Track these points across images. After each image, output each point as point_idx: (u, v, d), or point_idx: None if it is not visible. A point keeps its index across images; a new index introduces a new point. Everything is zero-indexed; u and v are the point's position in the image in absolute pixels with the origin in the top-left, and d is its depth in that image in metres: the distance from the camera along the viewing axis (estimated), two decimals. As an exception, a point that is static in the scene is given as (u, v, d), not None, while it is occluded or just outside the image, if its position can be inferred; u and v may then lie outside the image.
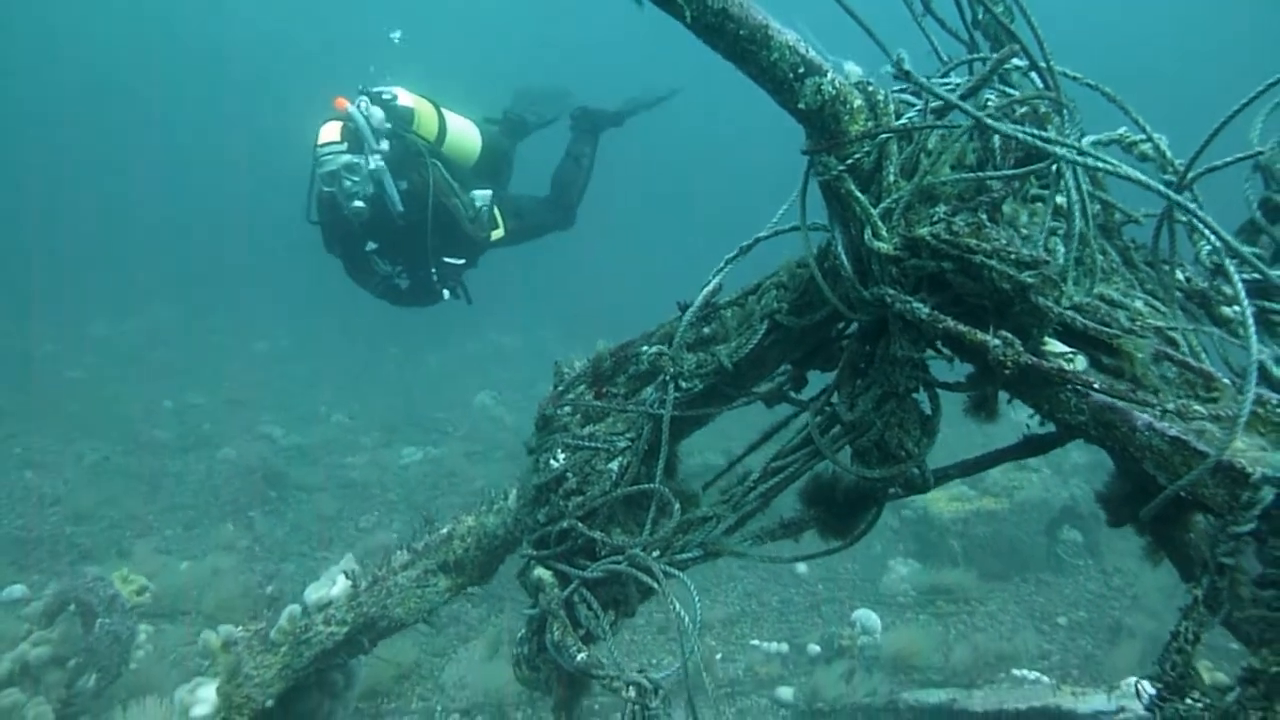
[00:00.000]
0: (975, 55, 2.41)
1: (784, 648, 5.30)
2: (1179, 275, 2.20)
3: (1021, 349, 1.92)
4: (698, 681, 4.63)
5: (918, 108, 2.23)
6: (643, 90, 8.46)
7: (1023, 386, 2.12)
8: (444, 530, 3.08)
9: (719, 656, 5.36)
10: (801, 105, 2.13)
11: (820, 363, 2.66)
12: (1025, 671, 4.58)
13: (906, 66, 2.00)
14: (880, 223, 2.14)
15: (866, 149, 2.16)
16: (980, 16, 2.51)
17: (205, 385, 12.28)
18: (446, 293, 6.33)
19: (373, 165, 5.78)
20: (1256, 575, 1.83)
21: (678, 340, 2.60)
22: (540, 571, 2.67)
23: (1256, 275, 1.96)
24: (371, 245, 6.09)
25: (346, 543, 7.25)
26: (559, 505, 2.64)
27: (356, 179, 5.77)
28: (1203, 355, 2.05)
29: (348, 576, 3.02)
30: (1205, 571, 1.87)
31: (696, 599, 2.36)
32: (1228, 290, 2.16)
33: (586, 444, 2.64)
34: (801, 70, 2.09)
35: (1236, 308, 2.08)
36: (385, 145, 5.84)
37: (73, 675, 4.10)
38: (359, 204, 5.76)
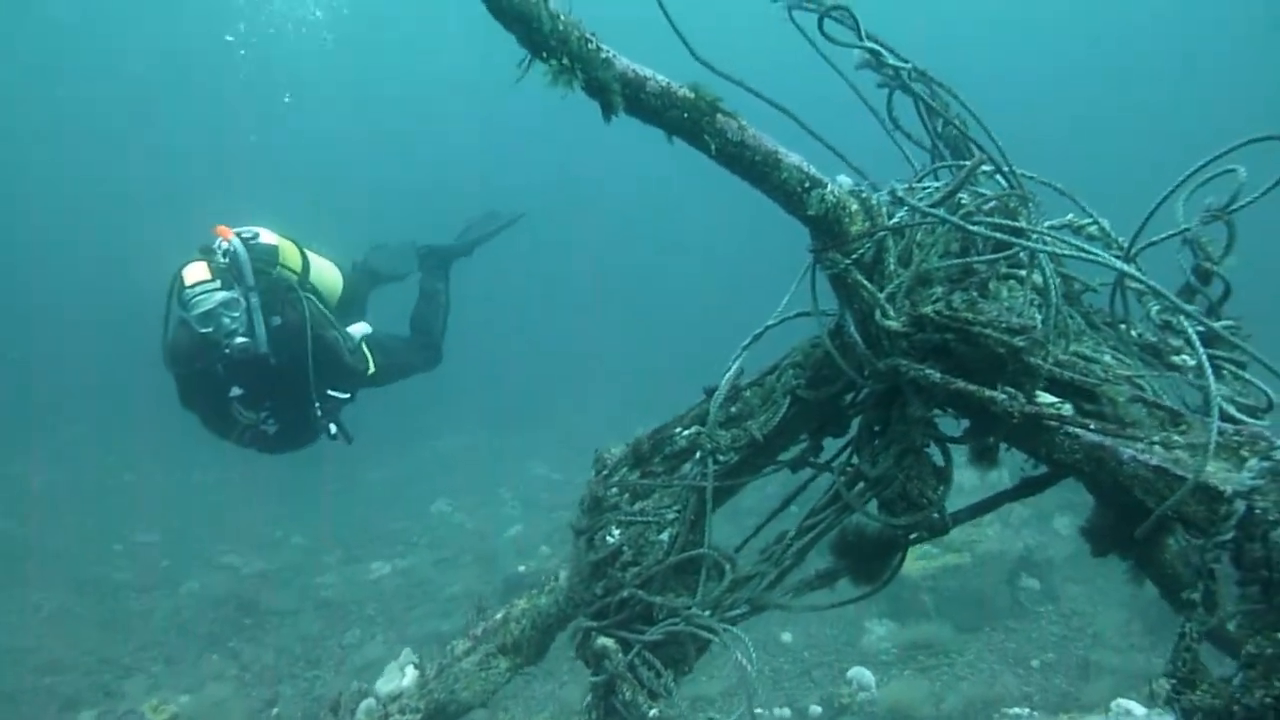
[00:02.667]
0: (944, 163, 2.88)
1: (787, 712, 5.51)
2: (1133, 333, 2.65)
3: (1024, 400, 2.31)
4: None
5: (906, 208, 2.67)
6: (485, 215, 8.15)
7: (1021, 435, 2.51)
8: (499, 615, 3.28)
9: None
10: (810, 213, 2.54)
11: (833, 430, 3.02)
12: (1017, 710, 4.89)
13: (900, 194, 2.44)
14: (887, 304, 2.54)
15: (866, 245, 2.58)
16: (941, 129, 3.01)
17: (152, 522, 11.97)
18: (333, 427, 5.94)
19: (252, 300, 5.45)
20: (1237, 578, 2.21)
21: (712, 419, 2.93)
22: (603, 640, 2.90)
23: (1200, 328, 2.41)
24: (236, 391, 5.65)
25: (334, 661, 7.20)
26: (617, 576, 2.90)
27: (236, 314, 5.41)
28: (1163, 397, 2.47)
29: (416, 667, 3.19)
30: (1200, 578, 2.24)
31: (753, 650, 2.64)
32: (1174, 342, 2.61)
33: (639, 518, 2.92)
34: (807, 184, 2.51)
35: (1185, 356, 2.52)
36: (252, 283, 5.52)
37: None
38: (242, 339, 5.38)
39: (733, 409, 3.02)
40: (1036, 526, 8.60)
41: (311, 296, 5.86)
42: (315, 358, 5.61)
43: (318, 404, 5.74)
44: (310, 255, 6.20)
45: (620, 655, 2.85)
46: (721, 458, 2.93)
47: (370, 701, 3.12)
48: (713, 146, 2.49)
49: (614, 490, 3.04)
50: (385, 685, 3.14)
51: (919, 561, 7.87)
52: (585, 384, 20.57)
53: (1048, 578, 7.86)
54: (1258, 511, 2.01)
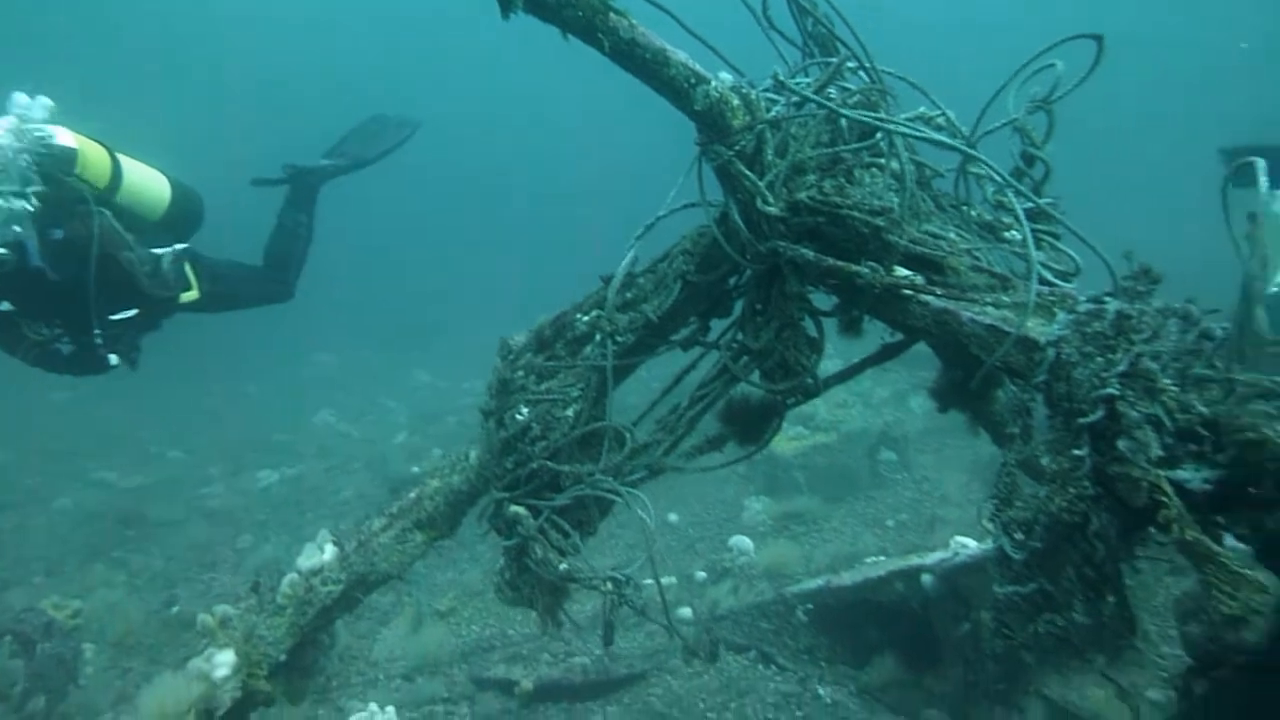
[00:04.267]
0: (814, 60, 3.15)
1: (674, 579, 6.01)
2: (973, 212, 3.04)
3: (885, 273, 2.67)
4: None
5: (782, 103, 2.94)
6: (370, 124, 7.21)
7: (881, 305, 2.88)
8: (413, 494, 3.51)
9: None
10: (696, 108, 2.78)
11: (720, 311, 3.33)
12: (873, 558, 5.53)
13: (781, 78, 2.70)
14: (767, 192, 2.83)
15: (747, 138, 2.85)
16: (811, 29, 3.26)
17: (9, 441, 11.41)
18: (114, 358, 5.42)
19: (19, 206, 4.87)
20: (1047, 414, 2.67)
21: (609, 304, 3.19)
22: (515, 508, 3.19)
23: (1029, 204, 2.82)
24: (5, 306, 5.12)
25: (230, 564, 7.26)
26: (526, 450, 3.18)
27: None
28: (995, 266, 2.88)
29: (335, 544, 3.39)
30: (1019, 415, 2.70)
31: (651, 508, 2.99)
32: (1005, 219, 3.02)
33: (545, 397, 3.18)
34: (693, 80, 2.74)
35: (1014, 231, 2.94)
36: (37, 187, 4.93)
37: (21, 700, 4.10)
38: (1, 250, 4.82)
39: (628, 295, 3.28)
40: (894, 405, 9.38)
41: (106, 212, 5.28)
42: (101, 279, 5.13)
43: (98, 330, 5.25)
44: (127, 165, 5.55)
45: (531, 520, 3.15)
46: (620, 339, 3.20)
47: (293, 576, 3.32)
48: (606, 44, 2.67)
49: (520, 373, 3.27)
50: (306, 561, 3.34)
51: (792, 442, 8.51)
52: (471, 300, 20.49)
53: (903, 450, 8.66)
54: (1063, 356, 2.44)
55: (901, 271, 2.84)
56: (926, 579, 3.87)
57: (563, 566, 3.05)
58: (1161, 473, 2.21)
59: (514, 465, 3.22)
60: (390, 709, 4.17)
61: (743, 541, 6.39)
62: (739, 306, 3.21)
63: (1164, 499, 2.20)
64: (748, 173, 2.80)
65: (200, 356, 11.48)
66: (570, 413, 3.19)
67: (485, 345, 3.64)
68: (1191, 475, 2.20)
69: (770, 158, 2.84)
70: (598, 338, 3.22)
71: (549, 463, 3.12)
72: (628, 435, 3.15)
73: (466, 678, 5.00)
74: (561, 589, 3.19)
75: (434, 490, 3.48)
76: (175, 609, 6.18)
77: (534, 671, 4.59)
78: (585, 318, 3.28)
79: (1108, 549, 2.38)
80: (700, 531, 7.44)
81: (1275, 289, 5.40)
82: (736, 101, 2.82)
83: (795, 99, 2.79)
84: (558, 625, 3.23)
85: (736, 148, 2.83)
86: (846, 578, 4.40)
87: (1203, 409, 2.21)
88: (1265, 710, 2.40)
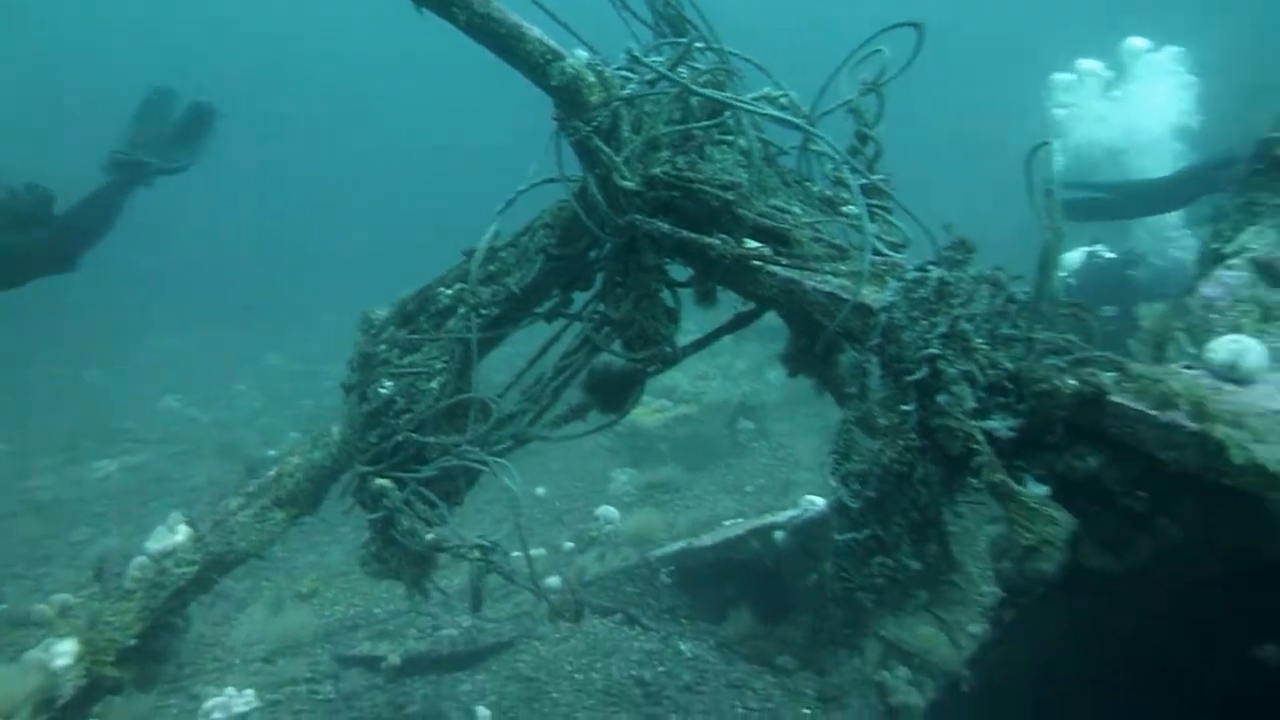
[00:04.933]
0: (665, 39, 3.27)
1: (542, 551, 6.11)
2: (814, 188, 3.26)
3: (735, 245, 2.84)
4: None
5: (636, 81, 3.04)
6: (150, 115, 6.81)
7: (733, 275, 3.05)
8: (272, 472, 3.44)
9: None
10: (553, 83, 2.86)
11: (582, 285, 3.43)
12: (731, 520, 5.81)
13: (636, 53, 2.80)
14: (624, 167, 2.94)
15: (604, 114, 2.94)
16: (662, 8, 3.38)
17: None
18: None
19: None
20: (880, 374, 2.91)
21: (473, 277, 3.23)
22: (380, 482, 3.20)
23: (863, 180, 3.04)
24: None
25: (65, 557, 6.83)
26: (391, 424, 3.19)
27: None
28: (835, 238, 3.10)
29: (189, 524, 3.29)
30: (856, 376, 2.93)
31: (518, 477, 3.07)
32: (844, 194, 3.24)
33: (410, 370, 3.20)
34: (549, 56, 2.82)
35: (852, 206, 3.17)
36: None
37: None
38: None
39: (491, 268, 3.33)
40: (752, 377, 9.77)
41: None
42: None
43: None
44: None
45: (397, 493, 3.17)
46: (484, 312, 3.25)
47: (142, 559, 3.20)
48: (461, 18, 2.71)
49: (383, 347, 3.27)
50: (156, 544, 3.23)
51: (655, 415, 8.74)
52: (324, 279, 19.74)
53: (761, 420, 9.06)
54: (894, 320, 2.67)
55: (751, 244, 3.02)
56: (779, 535, 4.12)
57: (430, 537, 3.09)
58: (974, 423, 2.47)
59: (378, 439, 3.23)
60: (249, 692, 4.10)
61: (609, 511, 6.57)
62: (600, 279, 3.32)
63: (976, 446, 2.46)
64: (605, 148, 2.90)
65: (24, 339, 10.67)
66: (435, 385, 3.22)
67: (339, 326, 3.61)
68: (999, 424, 2.46)
69: (626, 134, 2.95)
70: (461, 310, 3.26)
71: (414, 435, 3.15)
72: (493, 406, 3.21)
73: (330, 657, 4.94)
74: (429, 560, 3.23)
75: (295, 467, 3.43)
76: (2, 607, 5.78)
77: (401, 646, 4.59)
78: (449, 291, 3.30)
79: (931, 495, 2.64)
80: (568, 504, 7.56)
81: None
82: (592, 78, 2.91)
83: (649, 77, 2.90)
84: (425, 596, 3.27)
85: (594, 124, 2.93)
86: (706, 539, 4.62)
87: (1008, 365, 2.48)
88: (1059, 629, 2.71)
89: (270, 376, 13.65)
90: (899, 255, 3.04)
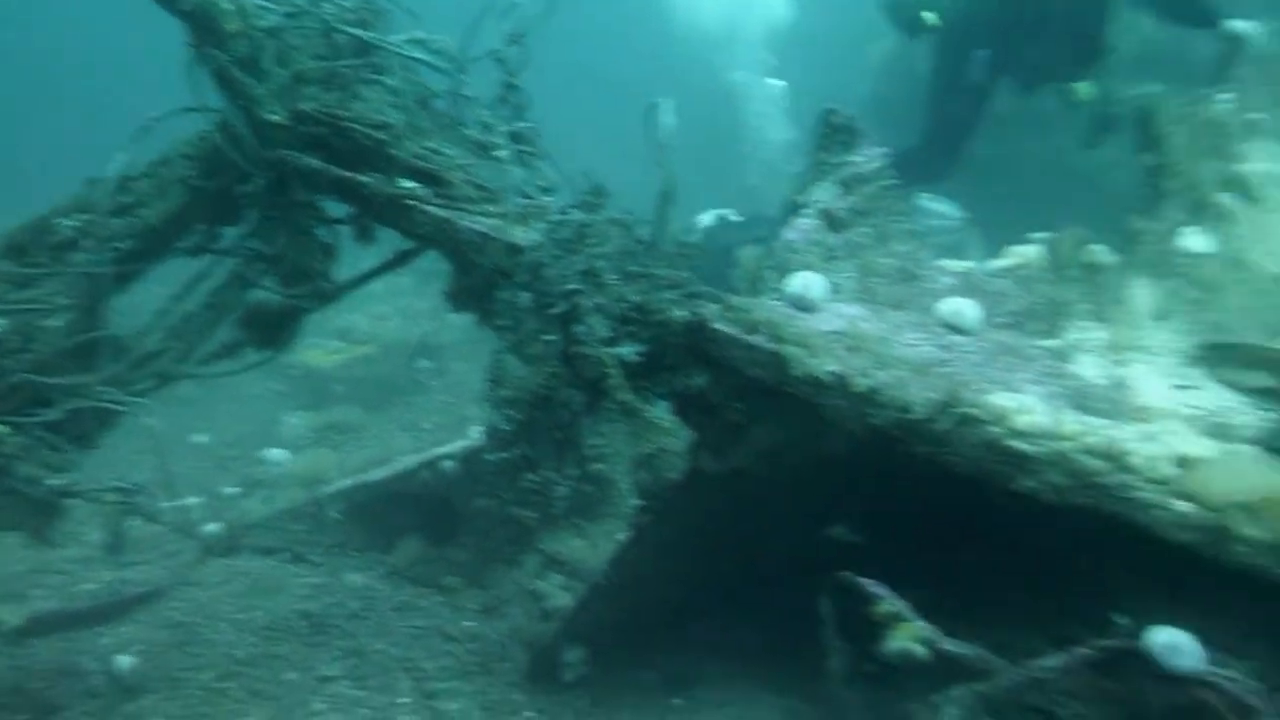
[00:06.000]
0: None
1: (198, 499, 5.73)
2: (469, 132, 3.41)
3: (388, 184, 2.93)
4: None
5: (278, 13, 2.98)
6: None
7: (389, 214, 3.13)
8: None
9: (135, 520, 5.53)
10: (184, 7, 2.75)
11: (231, 219, 3.31)
12: (406, 458, 5.91)
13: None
14: (270, 100, 2.89)
15: (242, 44, 2.87)
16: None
17: None
18: None
19: None
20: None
21: (102, 209, 3.01)
22: (-5, 429, 2.93)
23: (512, 126, 3.25)
24: None
25: None
26: (5, 364, 2.92)
27: None
28: (487, 181, 3.28)
29: None
30: (508, 310, 3.16)
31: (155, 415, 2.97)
32: (497, 140, 3.43)
33: (25, 307, 2.93)
34: (181, -22, 2.70)
35: (504, 150, 3.36)
36: None
37: None
38: None
39: (125, 199, 3.12)
40: (433, 317, 9.79)
41: None
42: None
43: None
44: None
45: (14, 438, 2.92)
46: (117, 245, 3.04)
47: None
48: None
49: (-10, 283, 2.96)
50: None
51: (331, 356, 8.52)
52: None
53: (441, 358, 9.15)
54: (540, 259, 2.93)
55: (406, 183, 3.11)
56: (448, 465, 4.32)
57: (57, 483, 2.89)
58: (607, 350, 2.81)
59: (-10, 382, 2.93)
60: None
61: (277, 454, 6.37)
62: (250, 214, 3.24)
63: (609, 371, 2.81)
64: (246, 79, 2.84)
65: None
66: (59, 323, 2.98)
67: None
68: (627, 351, 2.83)
69: (270, 67, 2.90)
70: (89, 244, 3.03)
71: (32, 376, 2.91)
72: (131, 345, 3.04)
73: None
74: (54, 507, 3.02)
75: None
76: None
77: (25, 608, 4.15)
78: (70, 222, 3.05)
79: (572, 416, 2.96)
80: (234, 450, 7.18)
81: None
82: (228, 5, 2.82)
83: (290, 10, 2.87)
84: (51, 545, 3.07)
85: (234, 54, 2.85)
86: (378, 474, 4.70)
87: (635, 298, 2.85)
88: (679, 524, 3.18)
89: None
90: (548, 199, 3.30)
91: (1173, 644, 1.96)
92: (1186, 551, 2.25)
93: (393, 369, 8.64)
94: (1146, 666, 2.00)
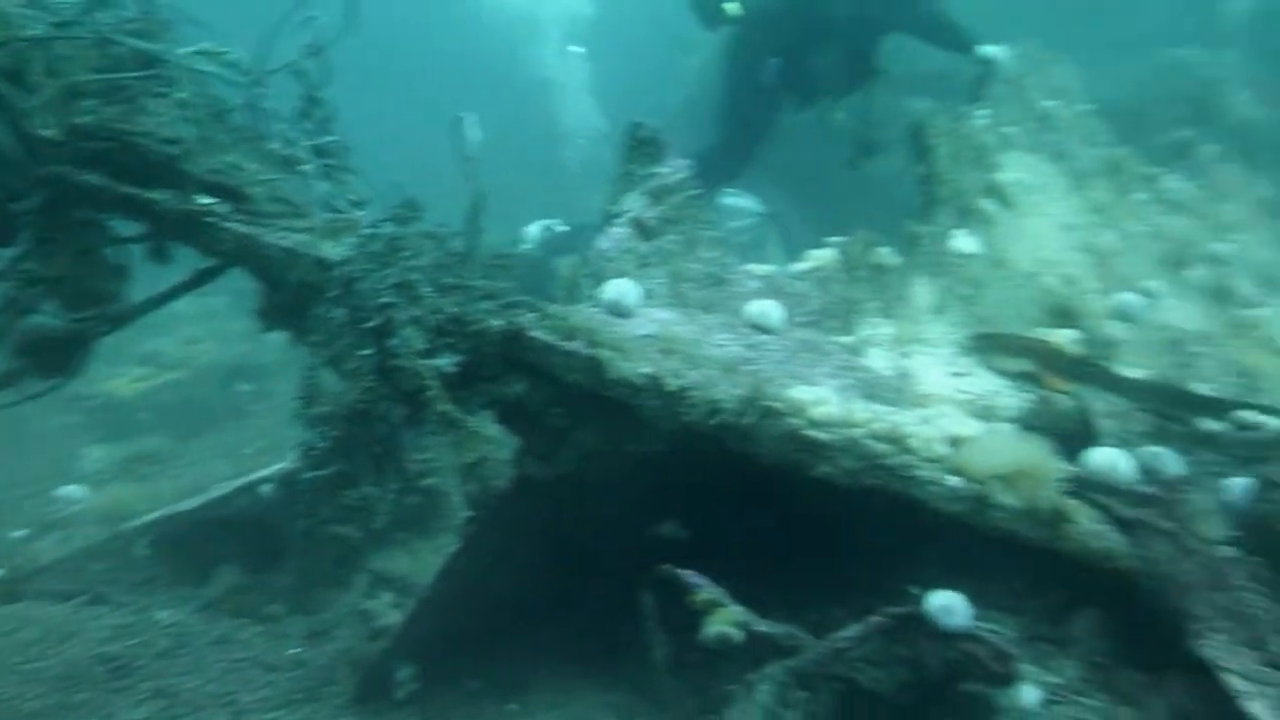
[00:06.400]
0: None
1: (-14, 545, 5.24)
2: (272, 146, 3.31)
3: (183, 201, 2.80)
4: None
5: (46, 22, 2.79)
6: None
7: (185, 232, 3.00)
8: None
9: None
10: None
11: (3, 240, 3.07)
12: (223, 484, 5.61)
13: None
14: (41, 114, 2.71)
15: (4, 56, 2.67)
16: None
17: None
18: None
19: None
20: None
21: None
22: None
23: (319, 140, 3.18)
24: None
25: None
26: None
27: None
28: (293, 196, 3.21)
29: None
30: (321, 326, 3.08)
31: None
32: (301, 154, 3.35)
33: None
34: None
35: (309, 165, 3.29)
36: None
37: None
38: None
39: None
40: (249, 338, 9.31)
41: None
42: None
43: None
44: None
45: None
46: None
47: None
48: None
49: None
50: None
51: (136, 383, 7.95)
52: None
53: (261, 380, 8.73)
54: (351, 273, 2.89)
55: (205, 200, 2.99)
56: (265, 488, 4.15)
57: None
58: (424, 362, 2.81)
59: None
60: None
61: (73, 491, 5.89)
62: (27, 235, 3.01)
63: (428, 383, 2.80)
64: (11, 90, 2.65)
65: None
66: None
67: None
68: (445, 362, 2.84)
69: (39, 79, 2.71)
70: None
71: None
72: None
73: None
74: None
75: None
76: None
77: None
78: None
79: (392, 430, 2.93)
80: (24, 490, 6.56)
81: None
82: (-10, 12, 2.62)
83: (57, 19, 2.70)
84: None
85: (-3, 63, 2.65)
86: (190, 503, 4.45)
87: (451, 309, 2.86)
88: (507, 532, 3.21)
89: None
90: (359, 212, 3.26)
91: (946, 605, 2.18)
92: (961, 521, 2.51)
93: (207, 394, 8.16)
94: (926, 628, 2.21)
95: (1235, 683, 1.97)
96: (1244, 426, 2.85)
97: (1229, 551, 2.29)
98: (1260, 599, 2.16)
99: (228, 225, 2.94)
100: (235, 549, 4.17)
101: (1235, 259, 4.28)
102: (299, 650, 3.45)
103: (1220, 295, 4.05)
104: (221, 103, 3.10)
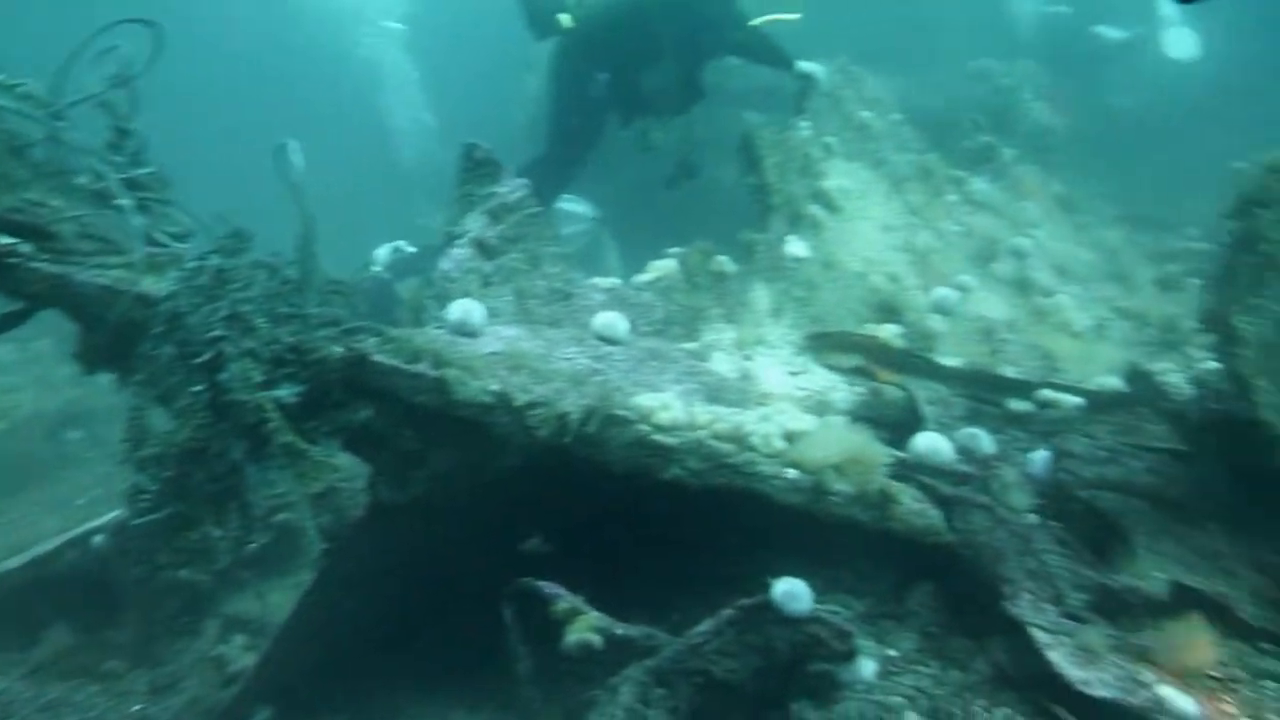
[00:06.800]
0: None
1: None
2: (82, 180, 3.12)
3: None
4: None
5: None
6: None
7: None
8: None
9: None
10: None
11: None
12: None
13: None
14: None
15: None
16: None
17: None
18: None
19: None
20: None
21: None
22: None
23: (131, 173, 3.03)
24: None
25: None
26: None
27: None
28: (108, 231, 3.04)
29: None
30: (147, 364, 2.93)
31: None
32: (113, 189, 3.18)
33: None
34: None
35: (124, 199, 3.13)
36: None
37: None
38: None
39: None
40: (76, 382, 8.69)
41: None
42: None
43: None
44: None
45: None
46: None
47: None
48: None
49: None
50: None
51: (-56, 440, 7.26)
52: None
53: (92, 426, 8.15)
54: (177, 308, 2.78)
55: (4, 240, 2.80)
56: (98, 539, 3.89)
57: None
58: (263, 394, 2.73)
59: None
60: None
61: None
62: None
63: (268, 415, 2.73)
64: None
65: None
66: None
67: None
68: (285, 392, 2.77)
69: None
70: None
71: None
72: None
73: None
74: None
75: None
76: None
77: None
78: None
79: (230, 466, 2.83)
80: None
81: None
82: None
83: None
84: None
85: None
86: (12, 562, 4.12)
87: (288, 339, 2.79)
88: (364, 560, 3.16)
89: None
90: (182, 245, 3.12)
91: (790, 591, 2.30)
92: (803, 511, 2.66)
93: (30, 445, 7.54)
94: (773, 614, 2.33)
95: (1039, 635, 2.18)
96: (1044, 404, 3.14)
97: (1033, 519, 2.52)
98: (1060, 559, 2.39)
99: (36, 265, 2.77)
100: (66, 607, 3.89)
101: (1035, 252, 4.70)
102: (142, 707, 3.26)
103: (1023, 286, 4.44)
104: (19, 138, 2.90)
